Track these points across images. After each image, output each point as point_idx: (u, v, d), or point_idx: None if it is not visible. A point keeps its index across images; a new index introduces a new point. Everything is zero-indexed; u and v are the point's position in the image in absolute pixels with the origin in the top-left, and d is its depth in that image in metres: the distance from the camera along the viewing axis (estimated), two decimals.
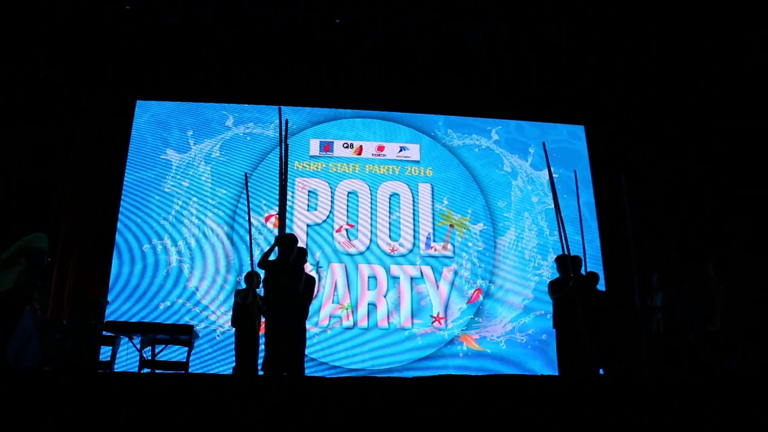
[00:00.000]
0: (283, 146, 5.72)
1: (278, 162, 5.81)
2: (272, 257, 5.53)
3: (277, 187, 5.70)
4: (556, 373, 6.87)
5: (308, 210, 8.18)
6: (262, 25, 7.97)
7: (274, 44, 8.18)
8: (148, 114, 8.42)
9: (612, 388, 3.45)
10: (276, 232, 5.65)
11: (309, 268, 7.80)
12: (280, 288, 5.34)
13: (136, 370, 6.44)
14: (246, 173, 7.01)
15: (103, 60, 8.15)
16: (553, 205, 8.44)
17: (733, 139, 8.23)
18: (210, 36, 8.10)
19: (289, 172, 8.16)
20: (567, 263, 5.82)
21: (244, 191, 8.14)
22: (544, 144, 6.56)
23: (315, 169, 8.42)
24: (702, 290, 6.01)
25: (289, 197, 8.09)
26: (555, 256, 6.26)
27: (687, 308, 6.00)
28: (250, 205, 8.04)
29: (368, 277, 7.95)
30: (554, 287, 5.97)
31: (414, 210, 8.38)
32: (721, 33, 7.90)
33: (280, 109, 6.14)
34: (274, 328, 5.31)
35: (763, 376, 5.15)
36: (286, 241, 5.54)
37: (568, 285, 5.75)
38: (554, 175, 8.54)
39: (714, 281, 5.84)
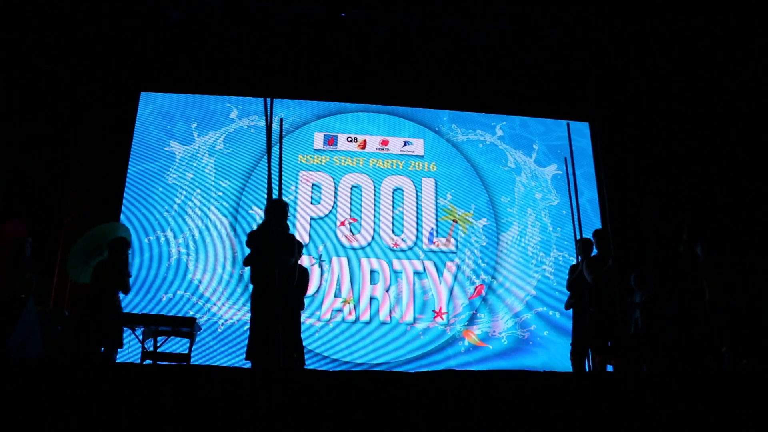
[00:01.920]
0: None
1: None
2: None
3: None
4: (558, 370, 6.87)
5: (311, 203, 8.18)
6: (267, 19, 7.95)
7: (279, 37, 8.14)
8: (152, 106, 8.42)
9: (613, 385, 3.44)
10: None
11: (312, 261, 7.82)
12: (265, 259, 4.76)
13: (138, 361, 6.45)
14: (281, 119, 6.31)
15: (108, 52, 8.14)
16: (555, 202, 8.51)
17: (739, 137, 8.20)
18: (215, 29, 8.08)
19: (293, 165, 8.24)
20: (608, 239, 5.54)
21: (248, 183, 8.17)
22: (568, 125, 6.44)
23: (319, 162, 8.41)
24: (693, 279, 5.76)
25: (292, 190, 8.12)
26: (594, 231, 5.95)
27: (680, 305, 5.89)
28: (253, 198, 8.07)
29: (371, 272, 7.95)
30: (592, 265, 5.64)
31: (417, 205, 8.37)
32: (726, 31, 7.85)
33: (265, 101, 5.57)
34: (259, 310, 4.82)
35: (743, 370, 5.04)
36: (273, 206, 4.95)
37: (607, 264, 5.44)
38: (558, 172, 8.63)
39: (703, 260, 5.54)
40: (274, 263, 4.71)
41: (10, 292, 5.76)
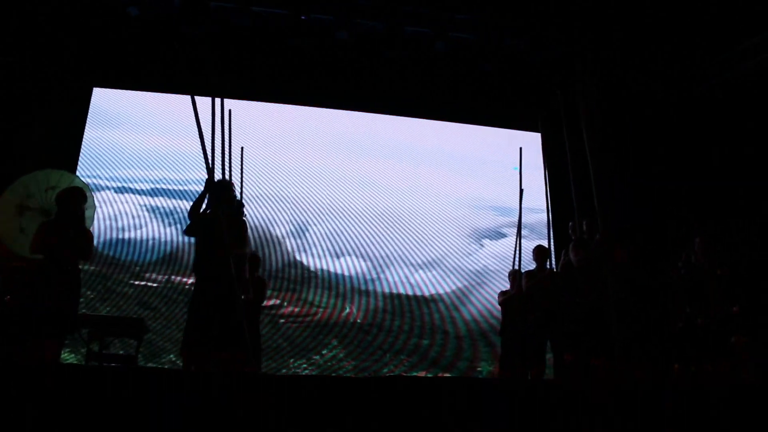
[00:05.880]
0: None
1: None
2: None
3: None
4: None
5: None
6: (226, 19, 7.84)
7: (238, 38, 8.05)
8: (105, 101, 8.25)
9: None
10: None
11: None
12: (209, 246, 4.36)
13: (83, 362, 6.30)
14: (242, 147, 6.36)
15: (62, 46, 7.92)
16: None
17: (704, 146, 8.24)
18: (173, 27, 7.93)
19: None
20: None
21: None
22: (521, 149, 6.50)
23: None
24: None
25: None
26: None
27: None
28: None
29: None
30: (578, 246, 5.21)
31: None
32: (688, 40, 7.90)
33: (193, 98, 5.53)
34: (200, 304, 4.32)
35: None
36: (213, 187, 4.52)
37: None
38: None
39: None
40: (224, 256, 4.29)
41: None
